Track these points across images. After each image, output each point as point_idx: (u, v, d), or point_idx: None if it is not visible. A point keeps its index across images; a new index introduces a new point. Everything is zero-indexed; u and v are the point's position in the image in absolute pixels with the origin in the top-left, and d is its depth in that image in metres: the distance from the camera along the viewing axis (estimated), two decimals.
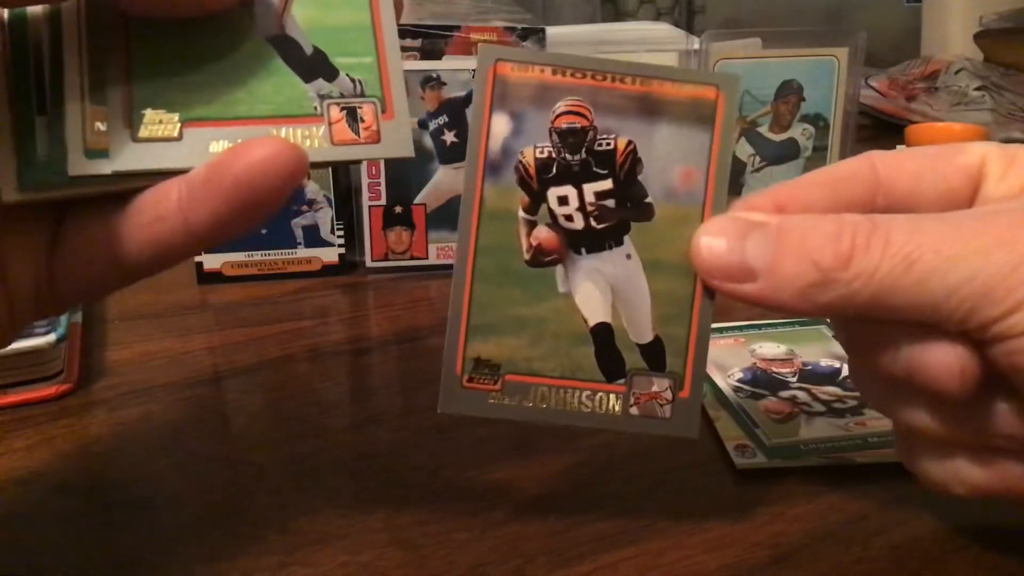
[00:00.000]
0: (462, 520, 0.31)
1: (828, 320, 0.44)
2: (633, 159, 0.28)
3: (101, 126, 0.26)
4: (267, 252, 0.56)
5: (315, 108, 0.27)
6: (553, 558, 0.30)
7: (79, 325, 0.47)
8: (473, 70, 0.53)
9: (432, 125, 0.55)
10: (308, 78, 0.27)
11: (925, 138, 0.78)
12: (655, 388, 0.28)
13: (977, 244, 0.23)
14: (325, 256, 0.57)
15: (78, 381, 0.42)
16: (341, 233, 0.57)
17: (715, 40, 0.57)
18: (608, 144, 0.28)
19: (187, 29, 0.27)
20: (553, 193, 0.28)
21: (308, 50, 0.28)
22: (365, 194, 0.56)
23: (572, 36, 0.77)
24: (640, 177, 0.28)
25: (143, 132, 0.26)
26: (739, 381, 0.40)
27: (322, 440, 0.37)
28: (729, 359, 0.42)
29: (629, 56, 0.61)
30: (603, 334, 0.28)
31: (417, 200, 0.56)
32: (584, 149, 0.28)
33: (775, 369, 0.41)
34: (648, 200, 0.28)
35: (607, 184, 0.28)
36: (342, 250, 0.57)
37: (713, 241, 0.26)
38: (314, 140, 0.27)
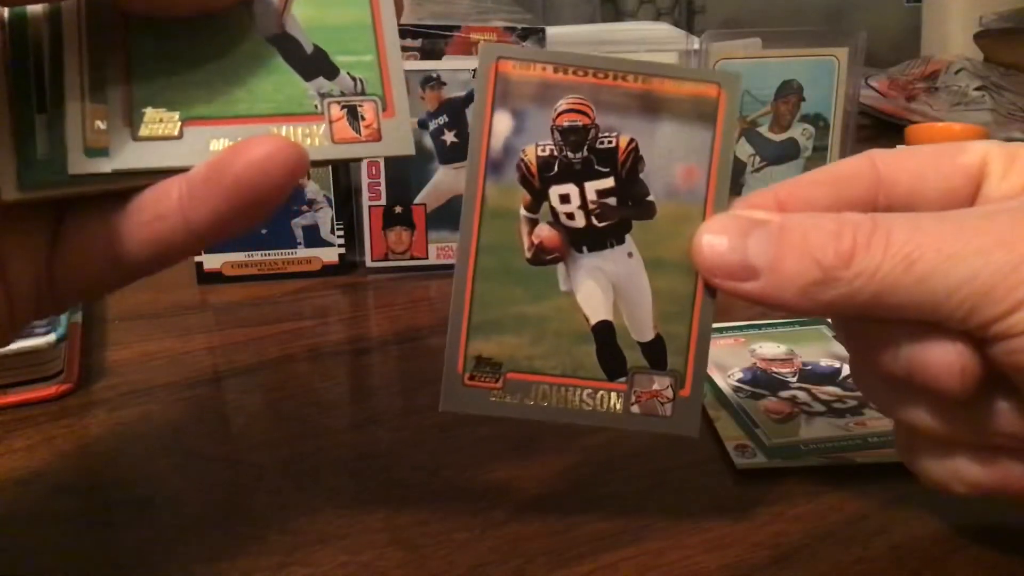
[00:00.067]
0: (462, 520, 0.31)
1: (828, 320, 0.44)
2: (635, 157, 0.28)
3: (101, 125, 0.26)
4: (267, 252, 0.56)
5: (316, 106, 0.27)
6: (553, 558, 0.30)
7: (79, 325, 0.47)
8: (473, 70, 0.53)
9: (432, 125, 0.55)
10: (309, 76, 0.27)
11: (925, 138, 0.78)
12: (656, 386, 0.28)
13: (978, 243, 0.23)
14: (325, 256, 0.57)
15: (78, 381, 0.42)
16: (341, 233, 0.57)
17: (715, 40, 0.57)
18: (610, 142, 0.28)
19: (187, 28, 0.27)
20: (555, 191, 0.28)
21: (308, 48, 0.28)
22: (365, 194, 0.56)
23: (572, 36, 0.77)
24: (642, 175, 0.28)
25: (143, 131, 0.26)
26: (739, 381, 0.40)
27: (322, 440, 0.37)
28: (729, 359, 0.42)
29: (629, 56, 0.61)
30: (604, 332, 0.28)
31: (417, 200, 0.56)
32: (586, 147, 0.28)
33: (775, 369, 0.41)
34: (650, 198, 0.28)
35: (609, 182, 0.28)
36: (342, 250, 0.57)
37: (715, 239, 0.26)
38: (315, 138, 0.27)
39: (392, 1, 0.29)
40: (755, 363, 0.42)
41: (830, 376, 0.40)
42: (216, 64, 0.27)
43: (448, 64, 0.57)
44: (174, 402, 0.41)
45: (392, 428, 0.38)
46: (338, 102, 0.27)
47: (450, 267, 0.28)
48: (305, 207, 0.56)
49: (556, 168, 0.28)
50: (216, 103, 0.26)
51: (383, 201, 0.56)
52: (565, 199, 0.28)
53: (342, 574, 0.29)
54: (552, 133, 0.28)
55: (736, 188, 0.59)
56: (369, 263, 0.57)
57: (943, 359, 0.24)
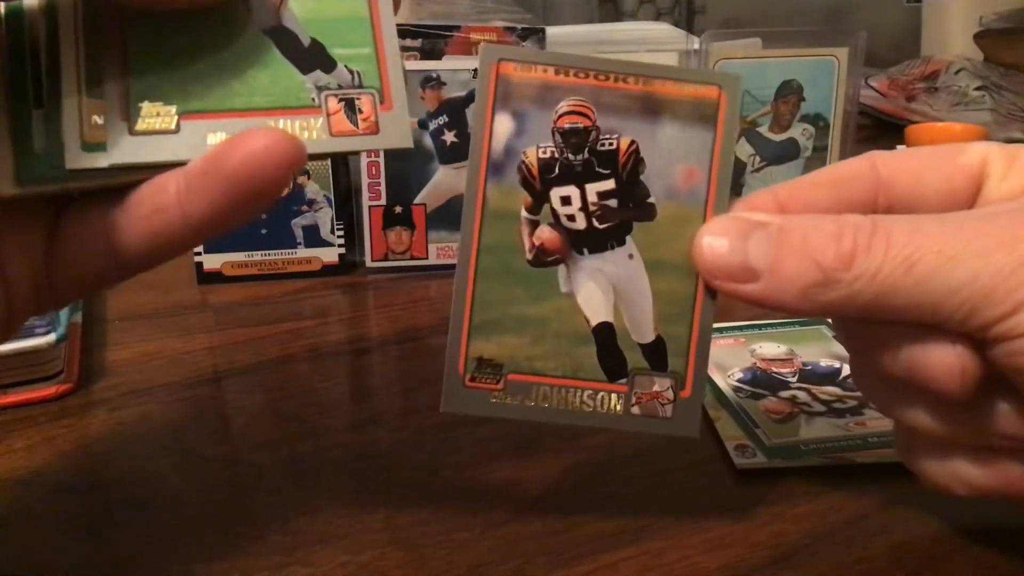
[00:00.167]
0: (462, 520, 0.31)
1: (828, 320, 0.44)
2: (636, 159, 0.28)
3: (98, 119, 0.26)
4: (267, 252, 0.56)
5: (313, 99, 0.27)
6: (553, 558, 0.30)
7: (79, 325, 0.47)
8: (473, 70, 0.53)
9: (432, 125, 0.55)
10: (306, 70, 0.27)
11: (925, 138, 0.78)
12: (656, 388, 0.28)
13: (978, 245, 0.23)
14: (325, 256, 0.57)
15: (78, 381, 0.42)
16: (341, 233, 0.57)
17: (715, 40, 0.57)
18: (611, 144, 0.28)
19: (184, 21, 0.27)
20: (556, 193, 0.28)
21: (305, 42, 0.28)
22: (365, 194, 0.56)
23: (572, 36, 0.77)
24: (642, 177, 0.28)
25: (140, 125, 0.26)
26: (739, 381, 0.40)
27: (322, 440, 0.37)
28: (729, 359, 0.42)
29: (629, 56, 0.61)
30: (605, 334, 0.28)
31: (417, 200, 0.56)
32: (587, 149, 0.28)
33: (775, 369, 0.41)
34: (650, 200, 0.28)
35: (610, 184, 0.28)
36: (342, 250, 0.57)
37: (715, 241, 0.26)
38: (312, 131, 0.27)
39: None
40: (755, 363, 0.42)
41: (830, 376, 0.40)
42: (213, 58, 0.27)
43: (448, 64, 0.57)
44: (174, 402, 0.41)
45: (392, 428, 0.39)
46: (335, 95, 0.27)
47: (450, 267, 0.28)
48: (305, 207, 0.56)
49: (557, 170, 0.28)
50: (213, 97, 0.26)
51: (383, 201, 0.56)
52: (566, 201, 0.28)
53: (342, 574, 0.29)
54: (553, 135, 0.28)
55: (736, 188, 0.59)
56: (369, 263, 0.57)
57: (943, 360, 0.24)
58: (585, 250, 0.28)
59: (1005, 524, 0.30)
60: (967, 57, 1.02)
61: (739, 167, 0.59)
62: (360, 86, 0.27)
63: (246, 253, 0.56)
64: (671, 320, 0.28)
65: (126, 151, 0.25)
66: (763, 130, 0.59)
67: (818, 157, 0.59)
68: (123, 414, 0.40)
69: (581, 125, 0.28)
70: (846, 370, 0.40)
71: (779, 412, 0.37)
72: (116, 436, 0.38)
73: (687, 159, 0.28)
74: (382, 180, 0.56)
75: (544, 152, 0.28)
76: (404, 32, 0.58)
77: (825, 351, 0.43)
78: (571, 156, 0.28)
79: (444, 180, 0.56)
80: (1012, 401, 0.25)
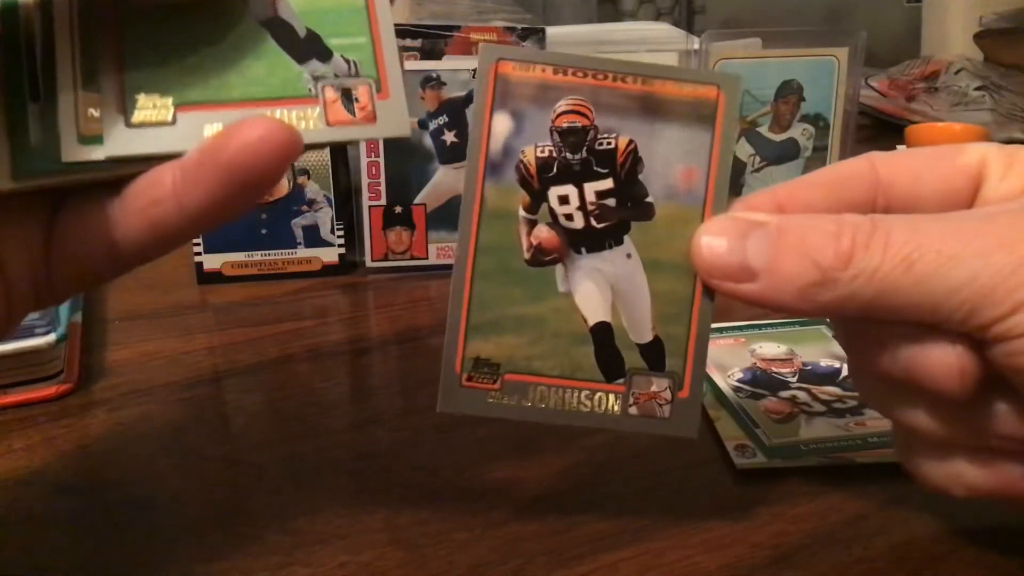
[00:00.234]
0: (462, 520, 0.31)
1: (828, 320, 0.44)
2: (634, 158, 0.28)
3: (94, 112, 0.26)
4: (267, 252, 0.56)
5: (309, 89, 0.27)
6: (553, 558, 0.30)
7: (79, 325, 0.47)
8: (473, 70, 0.53)
9: (432, 125, 0.55)
10: (302, 60, 0.27)
11: (925, 138, 0.78)
12: (654, 388, 0.28)
13: (978, 245, 0.23)
14: (325, 256, 0.57)
15: (78, 381, 0.42)
16: (341, 233, 0.57)
17: (715, 40, 0.57)
18: (609, 143, 0.28)
19: (179, 13, 0.27)
20: (554, 192, 0.28)
21: (301, 32, 0.28)
22: (365, 194, 0.56)
23: (572, 36, 0.77)
24: (641, 176, 0.28)
25: (136, 117, 0.26)
26: (739, 381, 0.40)
27: (322, 440, 0.37)
28: (729, 359, 0.42)
29: (629, 56, 0.61)
30: (602, 333, 0.28)
31: (417, 200, 0.56)
32: (585, 148, 0.28)
33: (775, 369, 0.41)
34: (649, 199, 0.28)
35: (608, 183, 0.28)
36: (342, 250, 0.57)
37: (713, 240, 0.26)
38: (309, 121, 0.27)
39: None
40: (755, 363, 0.42)
41: (830, 376, 0.40)
42: (209, 49, 0.27)
43: (448, 64, 0.57)
44: (174, 402, 0.41)
45: (392, 428, 0.39)
46: (332, 85, 0.27)
47: (450, 267, 0.28)
48: (305, 207, 0.56)
49: (555, 169, 0.28)
50: (209, 88, 0.26)
51: (383, 201, 0.56)
52: (564, 200, 0.28)
53: (342, 574, 0.29)
54: (551, 134, 0.28)
55: (736, 188, 0.59)
56: (369, 263, 0.57)
57: (942, 360, 0.24)
58: (583, 249, 0.28)
59: (1005, 524, 0.30)
60: (967, 57, 1.02)
61: (739, 167, 0.59)
62: (356, 75, 0.27)
63: (246, 253, 0.56)
64: (669, 320, 0.28)
65: (122, 143, 0.25)
66: (763, 130, 0.59)
67: (818, 157, 0.59)
68: (123, 414, 0.40)
69: (579, 124, 0.28)
70: (846, 370, 0.40)
71: (779, 412, 0.37)
72: (116, 436, 0.38)
73: (686, 159, 0.28)
74: (382, 180, 0.56)
75: (542, 151, 0.28)
76: (404, 32, 0.58)
77: (825, 351, 0.43)
78: (569, 155, 0.28)
79: (444, 180, 0.56)
80: (1011, 402, 0.25)
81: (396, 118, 0.27)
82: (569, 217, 0.28)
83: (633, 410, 0.28)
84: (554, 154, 0.28)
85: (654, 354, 0.28)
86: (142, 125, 0.26)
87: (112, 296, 0.53)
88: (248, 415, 0.40)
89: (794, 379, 0.40)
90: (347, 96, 0.27)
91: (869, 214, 0.25)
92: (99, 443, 0.38)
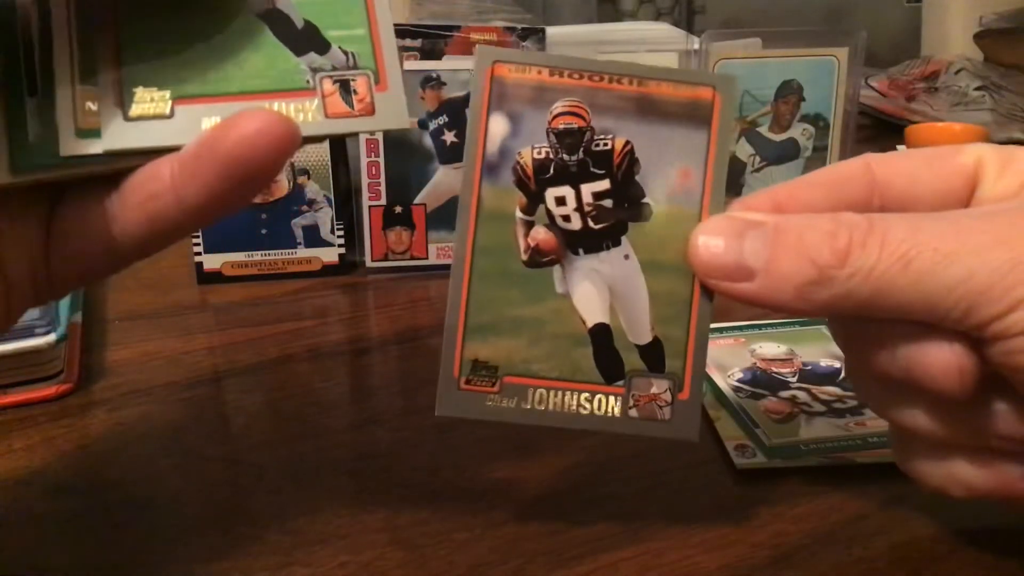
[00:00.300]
0: (462, 520, 0.31)
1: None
2: (630, 159, 0.28)
3: (92, 106, 0.25)
4: (267, 252, 0.56)
5: (307, 82, 0.27)
6: (553, 558, 0.30)
7: (79, 325, 0.47)
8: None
9: (432, 125, 0.55)
10: (300, 52, 0.27)
11: (925, 138, 0.78)
12: (654, 390, 0.28)
13: (975, 243, 0.23)
14: (325, 256, 0.57)
15: (78, 381, 0.42)
16: (341, 233, 0.57)
17: (715, 40, 0.57)
18: (605, 144, 0.28)
19: (177, 6, 0.27)
20: (551, 194, 0.28)
21: (299, 24, 0.27)
22: (365, 194, 0.56)
23: (572, 36, 0.77)
24: (637, 177, 0.28)
25: (134, 110, 0.26)
26: (739, 381, 0.40)
27: (322, 440, 0.37)
28: (729, 359, 0.42)
29: (629, 56, 0.61)
30: (601, 335, 0.28)
31: (417, 200, 0.56)
32: (581, 149, 0.28)
33: (775, 369, 0.41)
34: (646, 200, 0.28)
35: (604, 184, 0.28)
36: (342, 250, 0.57)
37: (710, 240, 0.26)
38: (307, 114, 0.26)
39: None
40: (755, 363, 0.42)
41: (830, 376, 0.40)
42: (207, 42, 0.27)
43: (448, 64, 0.57)
44: (174, 402, 0.41)
45: (392, 428, 0.39)
46: (330, 77, 0.27)
47: (450, 267, 0.28)
48: (305, 207, 0.56)
49: (552, 170, 0.28)
50: (207, 81, 0.26)
51: (383, 201, 0.56)
52: (561, 201, 0.28)
53: (342, 574, 0.29)
54: (548, 136, 0.28)
55: (736, 188, 0.59)
56: (369, 263, 0.57)
57: (941, 359, 0.24)
58: (580, 250, 0.28)
59: (1005, 524, 0.30)
60: (967, 57, 1.02)
61: (739, 167, 0.59)
62: (355, 67, 0.27)
63: (246, 253, 0.56)
64: (668, 321, 0.28)
65: (120, 137, 0.25)
66: (763, 130, 0.59)
67: (818, 157, 0.59)
68: (123, 414, 0.40)
69: (576, 126, 0.28)
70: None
71: (779, 412, 0.37)
72: (116, 436, 0.38)
73: (682, 160, 0.28)
74: (382, 180, 0.56)
75: (539, 153, 0.28)
76: (404, 32, 0.58)
77: (825, 351, 0.43)
78: (566, 156, 0.28)
79: (444, 180, 0.56)
80: (1010, 401, 0.25)
81: (395, 110, 0.27)
82: (566, 218, 0.28)
83: (633, 412, 0.28)
84: (551, 155, 0.28)
85: (653, 355, 0.28)
86: (140, 119, 0.26)
87: (112, 296, 0.53)
88: (248, 415, 0.40)
89: (794, 379, 0.40)
90: (345, 88, 0.27)
91: (866, 213, 0.25)
92: (99, 443, 0.38)
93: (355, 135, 0.53)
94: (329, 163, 0.55)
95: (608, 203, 0.28)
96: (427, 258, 0.57)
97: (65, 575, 0.30)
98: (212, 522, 0.32)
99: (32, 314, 0.42)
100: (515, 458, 0.35)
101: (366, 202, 0.56)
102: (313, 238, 0.57)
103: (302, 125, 0.25)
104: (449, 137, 0.55)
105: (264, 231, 0.56)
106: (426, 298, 0.54)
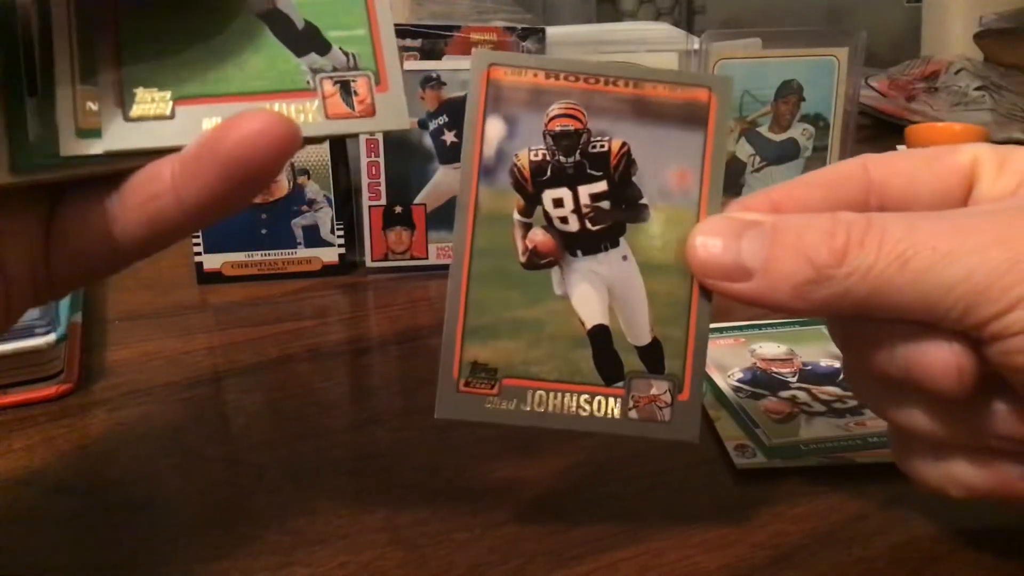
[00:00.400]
0: (462, 520, 0.31)
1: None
2: (627, 161, 0.28)
3: (92, 106, 0.25)
4: (267, 252, 0.56)
5: (308, 83, 0.27)
6: (553, 558, 0.30)
7: (79, 325, 0.47)
8: None
9: (432, 125, 0.55)
10: (300, 52, 0.27)
11: (925, 138, 0.78)
12: (654, 391, 0.28)
13: (973, 242, 0.23)
14: (325, 256, 0.57)
15: (78, 381, 0.42)
16: (341, 233, 0.57)
17: (715, 40, 0.57)
18: (602, 146, 0.28)
19: (178, 6, 0.27)
20: (548, 195, 0.28)
21: (300, 24, 0.28)
22: (365, 194, 0.56)
23: (572, 36, 0.77)
24: (634, 178, 0.28)
25: (135, 111, 0.26)
26: (739, 381, 0.40)
27: (322, 440, 0.38)
28: (729, 359, 0.42)
29: (629, 56, 0.61)
30: (600, 336, 0.28)
31: (417, 200, 0.56)
32: (578, 151, 0.28)
33: (775, 369, 0.41)
34: (643, 201, 0.28)
35: (602, 186, 0.28)
36: (342, 250, 0.57)
37: (708, 240, 0.26)
38: (308, 114, 0.26)
39: None
40: (755, 363, 0.42)
41: (830, 376, 0.40)
42: (207, 42, 0.27)
43: (448, 64, 0.57)
44: (174, 402, 0.41)
45: (392, 428, 0.39)
46: (331, 77, 0.27)
47: (449, 268, 0.28)
48: (305, 207, 0.56)
49: (549, 172, 0.28)
50: (208, 81, 0.26)
51: (383, 201, 0.56)
52: (558, 203, 0.28)
53: (342, 574, 0.29)
54: (544, 138, 0.28)
55: (736, 188, 0.59)
56: (369, 263, 0.57)
57: (940, 359, 0.24)
58: (579, 252, 0.28)
59: (1005, 524, 0.30)
60: (967, 57, 1.02)
61: (739, 167, 0.59)
62: (355, 68, 0.27)
63: (246, 253, 0.56)
64: (667, 322, 0.28)
65: (121, 137, 0.25)
66: (763, 130, 0.59)
67: (818, 157, 0.59)
68: (123, 414, 0.40)
69: (572, 128, 0.28)
70: None
71: (779, 412, 0.37)
72: (116, 436, 0.38)
73: (679, 161, 0.28)
74: (382, 180, 0.56)
75: (536, 155, 0.28)
76: (404, 32, 0.58)
77: (825, 351, 0.43)
78: (563, 158, 0.28)
79: (444, 180, 0.56)
80: (1009, 401, 0.25)
81: (395, 111, 0.27)
82: (564, 220, 0.28)
83: (633, 414, 0.28)
84: (547, 157, 0.28)
85: (653, 356, 0.28)
86: (140, 119, 0.26)
87: (112, 296, 0.53)
88: (248, 415, 0.40)
89: (794, 379, 0.40)
90: (346, 89, 0.27)
91: (865, 212, 0.25)
92: (99, 443, 0.38)
93: (356, 136, 0.54)
94: (329, 163, 0.56)
95: (606, 205, 0.28)
96: (427, 258, 0.57)
97: (65, 575, 0.30)
98: (212, 522, 0.32)
99: (32, 314, 0.42)
100: (515, 458, 0.35)
101: (366, 202, 0.56)
102: (313, 238, 0.57)
103: (303, 126, 0.25)
104: (449, 137, 0.55)
105: (264, 231, 0.56)
106: (426, 298, 0.54)
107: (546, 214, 0.28)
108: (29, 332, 0.41)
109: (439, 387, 0.27)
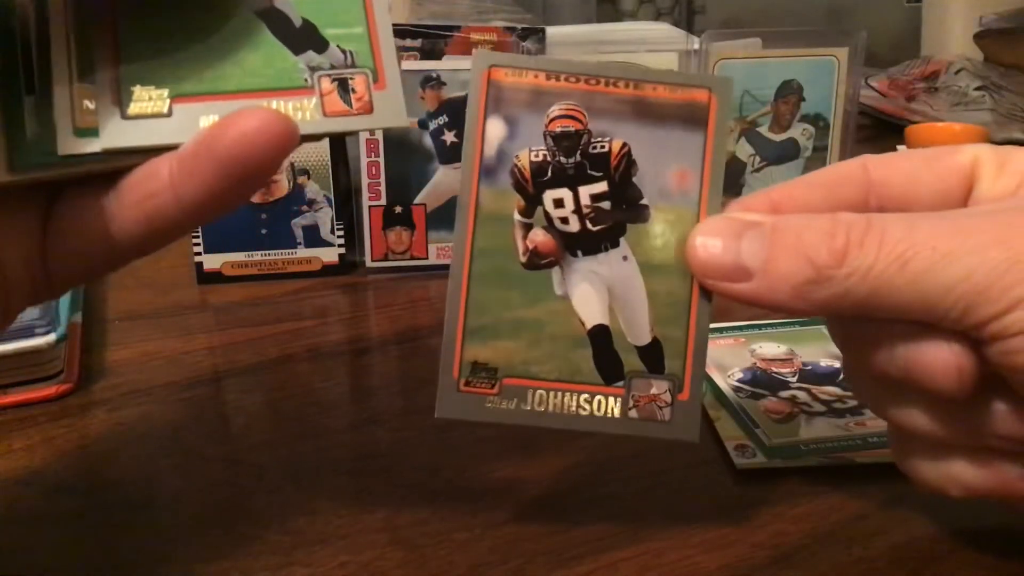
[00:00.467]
0: (462, 520, 0.32)
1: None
2: (628, 161, 0.28)
3: (90, 104, 0.25)
4: (267, 252, 0.56)
5: (306, 80, 0.27)
6: (553, 558, 0.30)
7: (79, 325, 0.47)
8: None
9: (432, 125, 0.55)
10: (298, 50, 0.27)
11: (925, 138, 0.78)
12: (654, 390, 0.28)
13: (973, 242, 0.23)
14: (325, 256, 0.57)
15: (78, 381, 0.42)
16: (341, 233, 0.57)
17: (715, 40, 0.57)
18: (602, 147, 0.28)
19: (175, 4, 0.27)
20: (548, 196, 0.28)
21: (297, 22, 0.27)
22: (365, 194, 0.56)
23: (572, 36, 0.77)
24: (635, 179, 0.28)
25: (132, 109, 0.26)
26: (739, 381, 0.40)
27: (322, 440, 0.38)
28: (729, 359, 0.42)
29: (629, 56, 0.61)
30: (601, 336, 0.28)
31: (417, 200, 0.56)
32: (579, 152, 0.28)
33: (775, 369, 0.41)
34: (643, 202, 0.28)
35: (602, 186, 0.28)
36: (342, 250, 0.57)
37: (708, 241, 0.26)
38: (306, 112, 0.26)
39: None
40: (755, 363, 0.42)
41: (830, 376, 0.40)
42: (205, 40, 0.27)
43: (448, 64, 0.57)
44: (174, 402, 0.41)
45: (392, 428, 0.39)
46: (328, 75, 0.27)
47: (449, 268, 0.28)
48: (305, 207, 0.56)
49: (549, 173, 0.28)
50: (205, 79, 0.26)
51: (383, 201, 0.56)
52: (559, 203, 0.28)
53: (342, 574, 0.29)
54: (545, 138, 0.28)
55: (736, 188, 0.59)
56: (369, 263, 0.57)
57: (940, 359, 0.24)
58: (579, 252, 0.28)
59: (1005, 524, 0.30)
60: (967, 57, 1.02)
61: (739, 167, 0.59)
62: (353, 66, 0.27)
63: (246, 253, 0.56)
64: (667, 322, 0.28)
65: (118, 135, 0.25)
66: (763, 130, 0.59)
67: (818, 157, 0.59)
68: (123, 414, 0.40)
69: (572, 128, 0.28)
70: None
71: (779, 412, 0.37)
72: (116, 436, 0.38)
73: (679, 161, 0.28)
74: (382, 180, 0.56)
75: (536, 155, 0.28)
76: (404, 32, 0.58)
77: (825, 351, 0.43)
78: (563, 159, 0.28)
79: (444, 180, 0.56)
80: (1009, 401, 0.25)
81: (393, 108, 0.27)
82: (564, 220, 0.28)
83: (633, 413, 0.28)
84: (548, 158, 0.28)
85: (653, 356, 0.28)
86: (138, 117, 0.26)
87: (112, 296, 0.53)
88: (248, 415, 0.40)
89: (794, 379, 0.40)
90: (343, 87, 0.27)
91: (864, 213, 0.25)
92: (99, 443, 0.38)
93: (354, 134, 0.54)
94: (329, 163, 0.56)
95: (606, 205, 0.28)
96: (427, 258, 0.57)
97: (65, 575, 0.30)
98: (212, 522, 0.32)
99: (32, 314, 0.42)
100: (515, 458, 0.35)
101: (366, 202, 0.56)
102: (313, 238, 0.57)
103: (300, 123, 0.25)
104: (449, 137, 0.55)
105: (264, 231, 0.56)
106: (426, 298, 0.54)
107: (546, 214, 0.28)
108: (29, 332, 0.41)
109: (439, 387, 0.27)
